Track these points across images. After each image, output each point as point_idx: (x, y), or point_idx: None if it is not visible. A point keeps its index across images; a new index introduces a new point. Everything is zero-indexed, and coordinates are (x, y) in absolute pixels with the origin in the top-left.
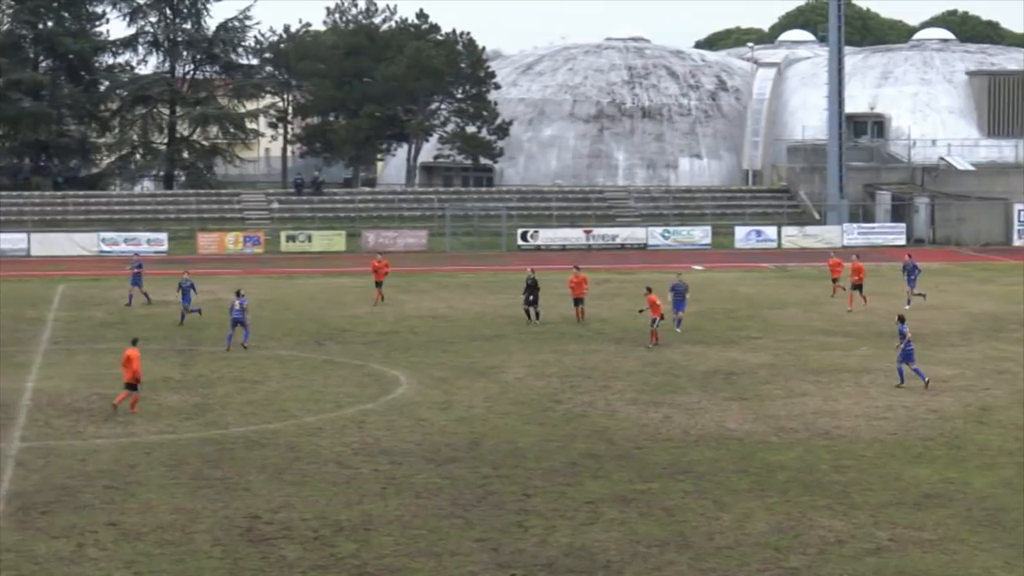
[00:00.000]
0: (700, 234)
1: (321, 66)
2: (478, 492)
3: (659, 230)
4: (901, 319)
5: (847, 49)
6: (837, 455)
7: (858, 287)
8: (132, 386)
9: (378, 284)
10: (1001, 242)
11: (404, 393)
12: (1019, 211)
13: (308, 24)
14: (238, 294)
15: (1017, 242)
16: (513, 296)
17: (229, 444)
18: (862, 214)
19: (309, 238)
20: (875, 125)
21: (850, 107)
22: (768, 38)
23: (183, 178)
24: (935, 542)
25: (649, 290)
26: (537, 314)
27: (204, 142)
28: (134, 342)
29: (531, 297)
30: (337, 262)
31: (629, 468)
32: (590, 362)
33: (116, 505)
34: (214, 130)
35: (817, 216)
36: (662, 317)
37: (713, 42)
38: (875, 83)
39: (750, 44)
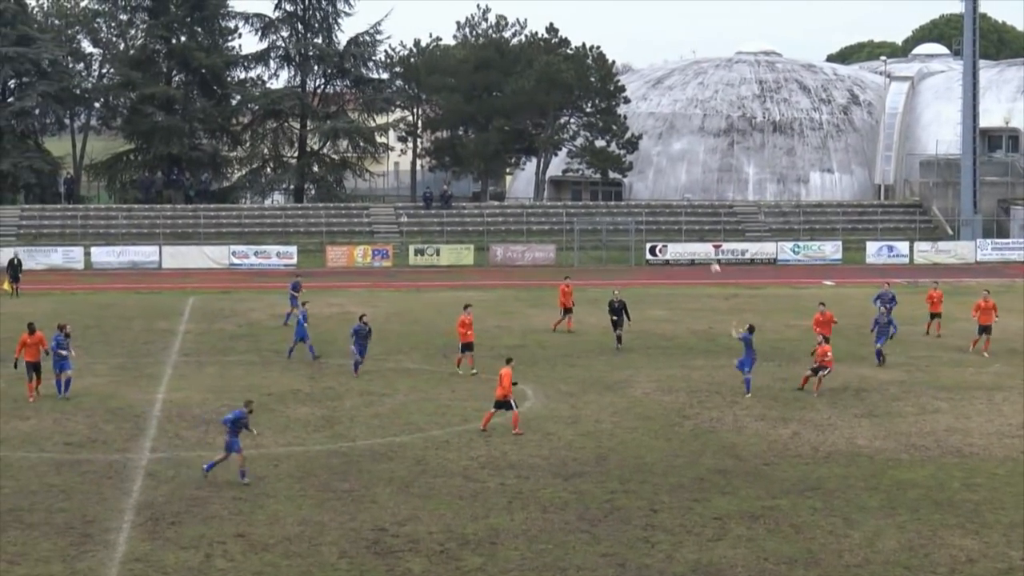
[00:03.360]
0: (831, 249)
1: (451, 80)
2: (605, 507)
3: (789, 245)
4: (751, 329)
5: (982, 63)
6: (969, 473)
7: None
8: (502, 404)
9: (567, 311)
10: None
11: (531, 407)
12: None
13: (438, 38)
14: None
15: None
16: (642, 311)
17: (356, 456)
18: (996, 229)
19: (437, 252)
20: (1010, 139)
21: (985, 121)
22: (901, 52)
23: (313, 191)
24: None
25: (825, 340)
26: (619, 338)
27: (334, 156)
28: (508, 361)
29: (616, 319)
30: (465, 276)
31: (757, 484)
32: (718, 377)
33: (244, 516)
34: (344, 144)
35: (950, 231)
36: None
37: (845, 56)
38: (1010, 97)
39: (883, 58)
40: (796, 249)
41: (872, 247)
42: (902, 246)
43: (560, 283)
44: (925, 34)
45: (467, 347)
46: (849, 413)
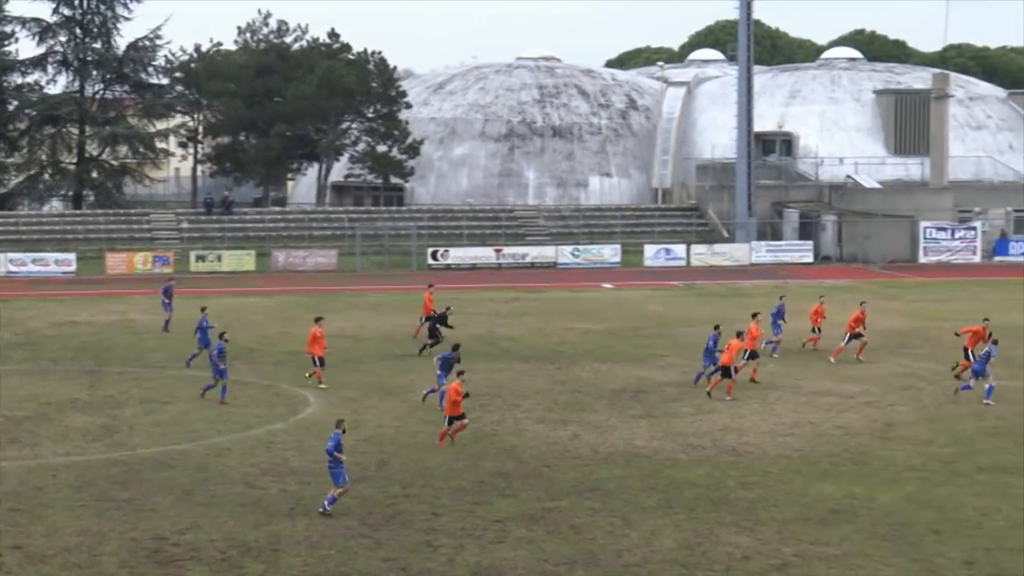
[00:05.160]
0: (609, 252)
1: (232, 85)
2: (386, 511)
3: (569, 248)
4: (455, 347)
5: (756, 68)
6: (744, 472)
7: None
8: (459, 417)
9: (423, 319)
10: (907, 259)
11: (313, 413)
12: (924, 228)
13: (219, 44)
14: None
15: (922, 259)
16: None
17: (137, 465)
18: (770, 232)
19: (219, 258)
20: (783, 143)
21: (759, 126)
22: (678, 57)
23: (92, 198)
24: (840, 557)
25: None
26: (428, 346)
27: (113, 162)
28: (459, 374)
29: (434, 328)
30: (246, 282)
31: (537, 486)
32: (499, 381)
33: (21, 528)
34: (123, 150)
35: (726, 234)
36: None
37: (624, 61)
38: (783, 102)
39: (660, 63)
40: (576, 252)
41: (650, 250)
42: (679, 249)
43: (425, 290)
44: (701, 40)
45: (320, 361)
46: (627, 414)
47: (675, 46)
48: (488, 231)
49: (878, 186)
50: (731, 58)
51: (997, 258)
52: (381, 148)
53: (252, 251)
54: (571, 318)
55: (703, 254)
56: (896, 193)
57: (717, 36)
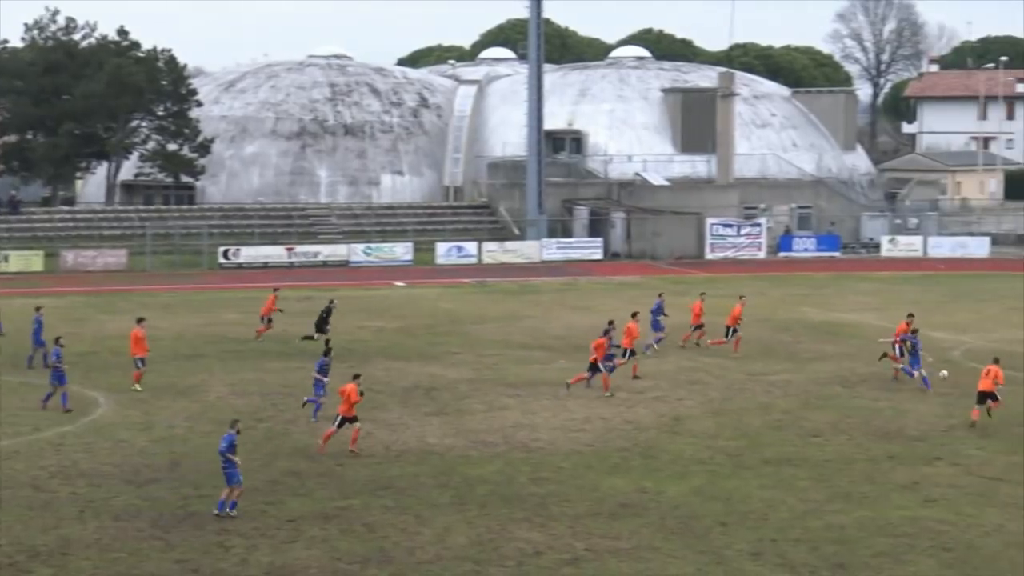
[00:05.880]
0: (402, 250)
1: (18, 83)
2: (178, 513)
3: (361, 247)
4: (327, 351)
5: (546, 67)
6: (536, 468)
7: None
8: (347, 419)
9: (263, 319)
10: (694, 255)
11: (103, 414)
12: (711, 225)
13: (5, 41)
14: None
15: (709, 255)
16: (214, 315)
17: None
18: (561, 229)
19: (6, 258)
20: (573, 141)
21: (549, 124)
22: (469, 56)
23: None
24: (630, 551)
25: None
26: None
27: None
28: (355, 377)
29: (322, 323)
30: (35, 282)
31: (330, 485)
32: (292, 380)
33: None
34: None
35: (517, 231)
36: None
37: (415, 59)
38: (573, 100)
39: (451, 61)
40: (368, 251)
41: (442, 248)
42: (471, 246)
43: (271, 293)
44: (492, 38)
45: (142, 362)
46: (420, 412)
47: (466, 44)
48: (280, 230)
49: (666, 183)
50: (522, 56)
51: (782, 254)
52: (171, 147)
53: (40, 251)
54: (363, 316)
55: (494, 251)
56: (683, 190)
57: (508, 35)
